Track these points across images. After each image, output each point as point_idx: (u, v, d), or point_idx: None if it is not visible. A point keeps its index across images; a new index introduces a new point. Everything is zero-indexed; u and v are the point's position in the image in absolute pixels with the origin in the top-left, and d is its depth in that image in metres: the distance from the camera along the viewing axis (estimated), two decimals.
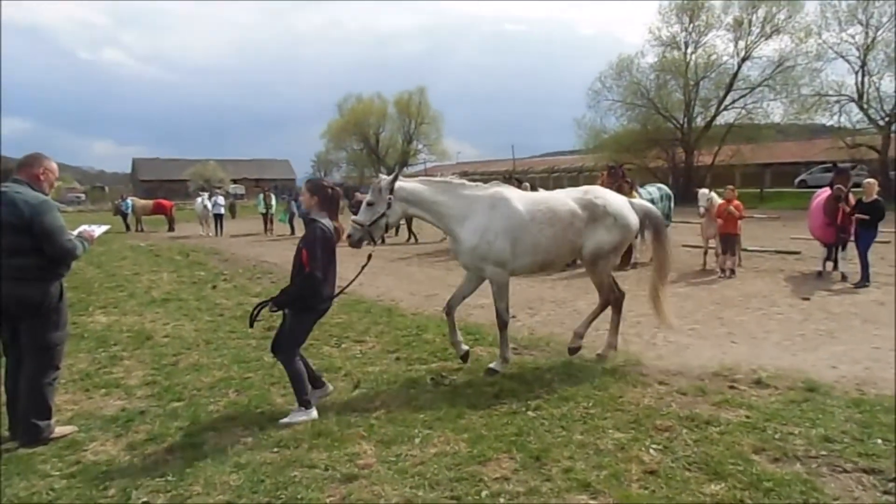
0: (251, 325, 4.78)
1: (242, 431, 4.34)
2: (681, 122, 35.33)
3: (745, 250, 12.14)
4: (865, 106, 28.55)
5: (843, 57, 29.13)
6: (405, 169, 63.55)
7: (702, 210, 11.33)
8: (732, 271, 10.75)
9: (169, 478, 3.66)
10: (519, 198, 5.58)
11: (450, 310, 5.80)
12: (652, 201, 12.53)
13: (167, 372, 5.77)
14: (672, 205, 13.39)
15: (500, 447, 3.94)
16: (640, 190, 12.62)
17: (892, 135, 27.58)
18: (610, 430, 4.14)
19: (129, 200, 27.15)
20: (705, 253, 11.62)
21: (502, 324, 5.61)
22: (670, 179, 32.72)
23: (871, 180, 10.04)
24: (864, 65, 28.34)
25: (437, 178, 5.68)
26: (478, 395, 4.95)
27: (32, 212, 4.01)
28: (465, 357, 5.77)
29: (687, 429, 4.14)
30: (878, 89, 28.39)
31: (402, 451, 3.95)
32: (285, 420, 4.48)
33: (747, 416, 4.33)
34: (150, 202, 27.59)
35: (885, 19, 27.45)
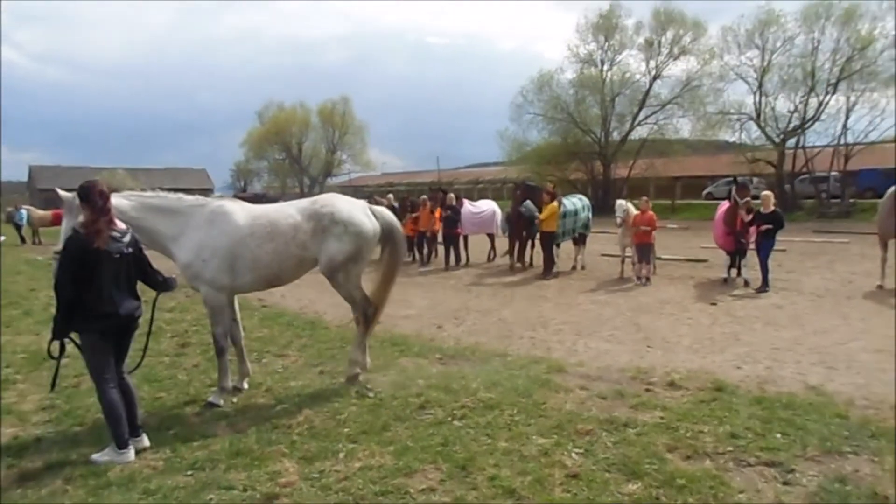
0: (50, 355, 4.11)
1: (152, 455, 4.08)
2: (598, 136, 36.78)
3: (659, 259, 12.75)
4: (763, 124, 30.79)
5: (742, 78, 31.31)
6: (329, 179, 62.70)
7: (618, 220, 11.81)
8: (648, 279, 11.26)
9: None
10: (241, 212, 5.19)
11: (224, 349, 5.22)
12: (575, 212, 13.01)
13: (67, 395, 5.36)
14: (591, 215, 13.92)
15: (426, 458, 3.90)
16: (564, 201, 13.03)
17: (787, 151, 29.91)
18: (534, 437, 4.20)
19: (23, 211, 25.10)
20: (622, 262, 12.11)
21: (219, 350, 5.15)
22: (590, 191, 33.97)
23: (768, 192, 10.81)
24: (760, 86, 30.59)
25: (149, 193, 5.08)
26: (403, 407, 4.90)
27: None
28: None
29: (606, 431, 4.27)
30: (773, 109, 30.68)
31: (325, 467, 3.85)
32: (95, 456, 4.04)
33: (662, 417, 4.52)
34: (48, 213, 25.60)
35: (778, 44, 29.84)
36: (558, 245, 13.04)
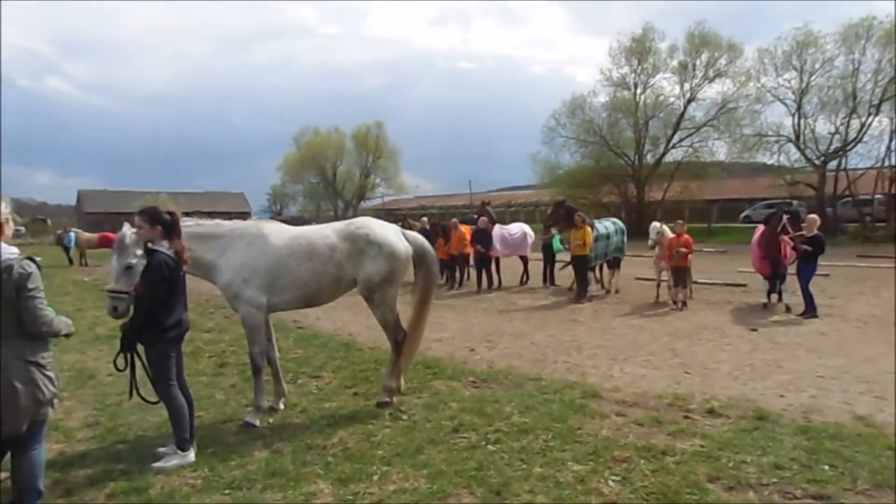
0: (117, 370, 4.36)
1: (191, 473, 4.15)
2: (632, 159, 36.53)
3: (696, 283, 12.52)
4: (802, 146, 30.14)
5: (780, 100, 30.79)
6: (362, 203, 63.54)
7: (650, 242, 11.66)
8: (684, 303, 11.04)
9: None
10: (279, 233, 5.39)
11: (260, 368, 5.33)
12: (607, 235, 12.90)
13: (111, 412, 5.50)
14: (625, 238, 13.78)
15: (460, 482, 3.88)
16: (597, 224, 12.95)
17: (828, 173, 29.17)
18: (569, 463, 4.14)
19: (72, 233, 26.08)
20: (658, 286, 11.92)
21: (255, 369, 5.27)
22: (623, 214, 33.63)
23: (814, 216, 10.56)
24: (799, 108, 30.03)
25: (189, 222, 5.22)
26: (437, 430, 4.89)
27: None
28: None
29: (644, 459, 4.18)
30: (812, 131, 30.03)
31: (360, 489, 3.86)
32: (158, 465, 4.23)
33: (702, 446, 4.41)
34: (95, 235, 26.54)
35: (817, 65, 29.31)
36: (592, 269, 12.94)
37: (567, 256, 13.37)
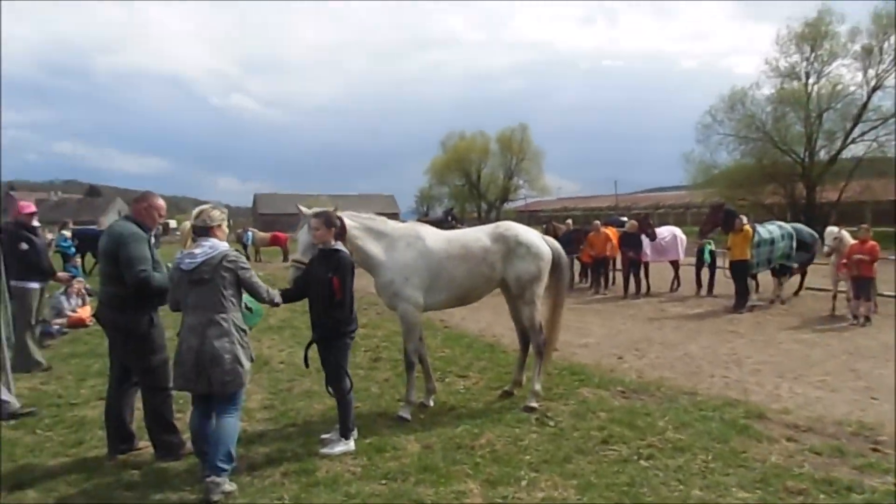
0: (306, 366, 4.98)
1: (352, 461, 4.44)
2: (801, 155, 32.94)
3: (881, 295, 11.00)
4: None
5: None
6: (505, 204, 63.88)
7: (827, 249, 10.46)
8: (867, 318, 9.77)
9: (285, 501, 3.82)
10: (436, 236, 5.69)
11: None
12: (772, 240, 11.78)
13: (283, 397, 6.06)
14: (794, 244, 12.44)
15: (612, 497, 3.77)
16: (759, 228, 11.87)
17: None
18: (733, 489, 3.85)
19: (249, 232, 29.16)
20: (834, 297, 10.67)
21: (409, 365, 5.56)
22: (788, 216, 30.45)
23: None
24: None
25: (364, 215, 5.58)
26: (585, 439, 4.78)
27: (119, 241, 4.39)
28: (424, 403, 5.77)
29: (824, 494, 3.76)
30: None
31: (508, 493, 3.88)
32: (325, 450, 4.57)
33: None
34: (267, 235, 29.44)
35: None
36: (754, 277, 11.91)
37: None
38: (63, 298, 9.99)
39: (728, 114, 35.13)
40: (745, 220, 11.72)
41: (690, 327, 9.97)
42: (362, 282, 5.46)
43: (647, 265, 14.08)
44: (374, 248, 5.39)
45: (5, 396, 5.49)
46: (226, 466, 3.91)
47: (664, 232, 14.62)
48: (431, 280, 5.47)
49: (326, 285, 4.56)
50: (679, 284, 14.25)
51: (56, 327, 9.31)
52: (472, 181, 64.23)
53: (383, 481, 4.09)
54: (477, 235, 5.83)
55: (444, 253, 5.54)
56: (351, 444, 4.63)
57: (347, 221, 5.23)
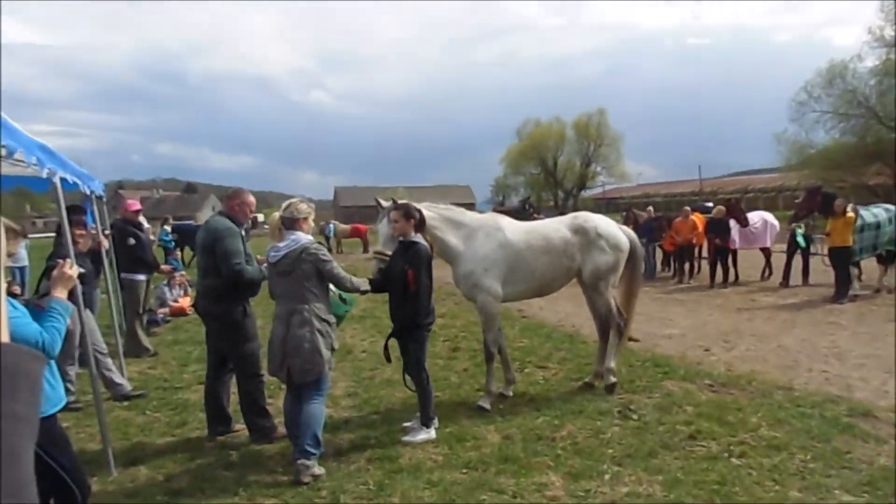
0: (388, 361, 5.09)
1: (434, 449, 4.53)
2: None
3: None
4: None
5: None
6: (582, 192, 62.56)
7: None
8: None
9: (370, 486, 3.94)
10: (515, 227, 5.68)
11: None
12: (877, 224, 10.90)
13: (365, 385, 6.25)
14: None
15: (701, 495, 3.64)
16: (863, 211, 11.01)
17: None
18: (836, 491, 3.62)
19: (331, 225, 30.14)
20: None
21: (488, 356, 5.56)
22: (895, 198, 28.04)
23: None
24: None
25: (442, 206, 5.65)
26: (671, 434, 4.64)
27: (216, 236, 4.63)
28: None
29: None
30: None
31: (591, 487, 3.84)
32: (407, 438, 4.67)
33: None
34: (348, 226, 30.33)
35: None
36: (856, 264, 11.07)
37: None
38: (166, 289, 10.72)
39: (826, 89, 32.76)
40: (846, 203, 10.89)
41: (784, 318, 9.41)
42: (439, 272, 5.52)
43: (735, 252, 13.39)
44: (453, 239, 5.43)
45: (118, 379, 5.98)
46: (313, 450, 4.09)
47: (754, 218, 13.82)
48: (510, 271, 5.47)
49: (403, 277, 4.64)
50: (771, 273, 13.47)
51: (160, 316, 10.02)
52: (549, 169, 63.33)
53: (464, 470, 4.15)
54: (556, 226, 5.83)
55: (524, 244, 5.53)
56: (432, 433, 4.72)
57: (426, 212, 5.28)
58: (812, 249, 13.04)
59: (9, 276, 9.26)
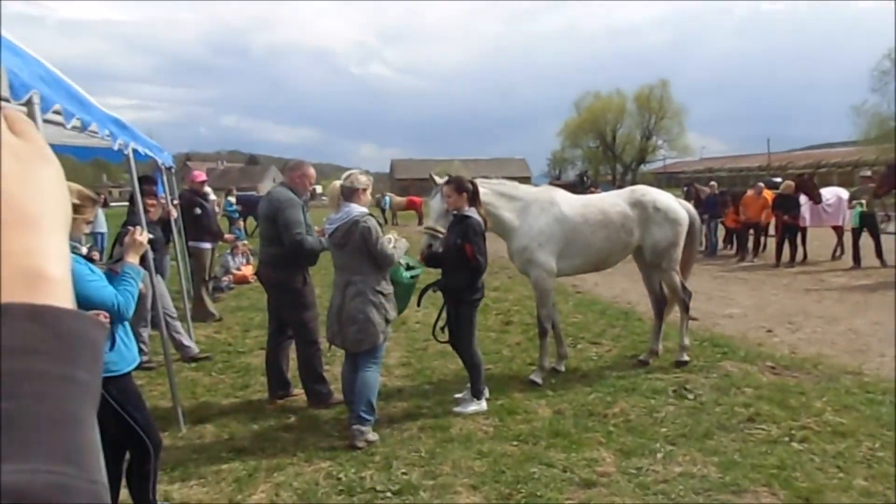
0: (438, 341, 5.12)
1: (484, 420, 4.59)
2: None
3: None
4: None
5: None
6: (642, 166, 60.78)
7: None
8: None
9: (422, 454, 4.04)
10: (571, 201, 5.61)
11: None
12: None
13: (419, 356, 6.36)
14: None
15: (758, 479, 3.56)
16: None
17: None
18: None
19: (387, 197, 30.50)
20: None
21: (542, 331, 5.53)
22: None
23: None
24: None
25: (494, 181, 5.61)
26: (728, 416, 4.54)
27: (278, 206, 4.77)
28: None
29: None
30: None
31: (643, 465, 3.81)
32: (458, 409, 4.73)
33: None
34: (403, 199, 30.61)
35: None
36: None
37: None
38: (229, 258, 11.15)
39: None
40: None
41: (856, 300, 8.95)
42: (494, 245, 5.51)
43: (804, 230, 12.76)
44: (507, 213, 5.40)
45: (187, 342, 6.30)
46: (368, 416, 4.22)
47: (828, 195, 13.07)
48: (566, 246, 5.42)
49: (455, 251, 4.66)
50: (843, 252, 12.78)
51: (225, 283, 10.45)
52: (607, 142, 61.74)
53: (515, 442, 4.19)
54: (614, 200, 5.74)
55: (581, 218, 5.46)
56: (483, 405, 4.78)
57: (480, 188, 5.30)
58: (889, 228, 12.25)
59: (89, 242, 9.85)
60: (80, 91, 3.14)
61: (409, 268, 4.71)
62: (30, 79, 2.27)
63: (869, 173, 12.23)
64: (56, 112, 2.66)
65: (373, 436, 4.23)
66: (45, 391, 0.36)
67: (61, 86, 2.74)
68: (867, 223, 11.77)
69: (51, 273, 0.42)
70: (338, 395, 4.87)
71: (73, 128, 3.15)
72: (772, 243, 13.36)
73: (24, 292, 0.40)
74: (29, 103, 2.26)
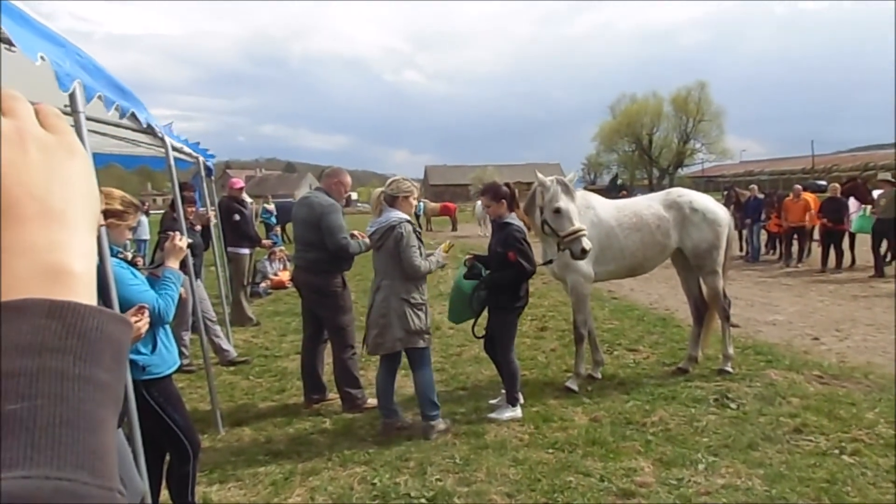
0: (476, 337, 5.07)
1: (519, 427, 4.53)
2: None
3: None
4: None
5: None
6: (679, 170, 59.65)
7: None
8: None
9: (456, 460, 4.01)
10: (605, 205, 5.53)
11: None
12: None
13: (453, 361, 6.34)
14: None
15: (806, 493, 3.42)
16: None
17: None
18: None
19: (421, 203, 30.58)
20: None
21: (578, 337, 5.41)
22: None
23: None
24: None
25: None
26: (773, 426, 4.38)
27: (321, 211, 4.81)
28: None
29: None
30: None
31: (683, 476, 3.70)
32: (493, 415, 4.69)
33: None
34: (437, 205, 30.66)
35: None
36: None
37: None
38: (267, 263, 11.34)
39: None
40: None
41: None
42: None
43: (853, 235, 12.31)
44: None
45: (226, 346, 6.42)
46: (432, 413, 4.38)
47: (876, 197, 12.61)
48: (601, 251, 5.33)
49: (497, 259, 4.63)
50: (893, 257, 12.28)
51: (262, 288, 10.62)
52: (643, 146, 60.79)
53: (550, 450, 4.12)
54: (648, 203, 5.68)
55: (615, 221, 5.39)
56: (518, 412, 4.72)
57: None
58: None
59: (133, 248, 10.15)
60: (120, 81, 3.15)
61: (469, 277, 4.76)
62: (72, 69, 2.33)
63: (889, 177, 11.72)
64: (99, 98, 2.73)
65: (443, 424, 4.42)
66: (61, 391, 0.35)
67: (102, 75, 2.80)
68: (878, 229, 11.26)
69: (73, 268, 0.40)
70: (372, 401, 4.88)
71: (114, 117, 3.17)
72: (817, 248, 12.93)
73: (44, 287, 0.38)
74: (72, 95, 2.33)
